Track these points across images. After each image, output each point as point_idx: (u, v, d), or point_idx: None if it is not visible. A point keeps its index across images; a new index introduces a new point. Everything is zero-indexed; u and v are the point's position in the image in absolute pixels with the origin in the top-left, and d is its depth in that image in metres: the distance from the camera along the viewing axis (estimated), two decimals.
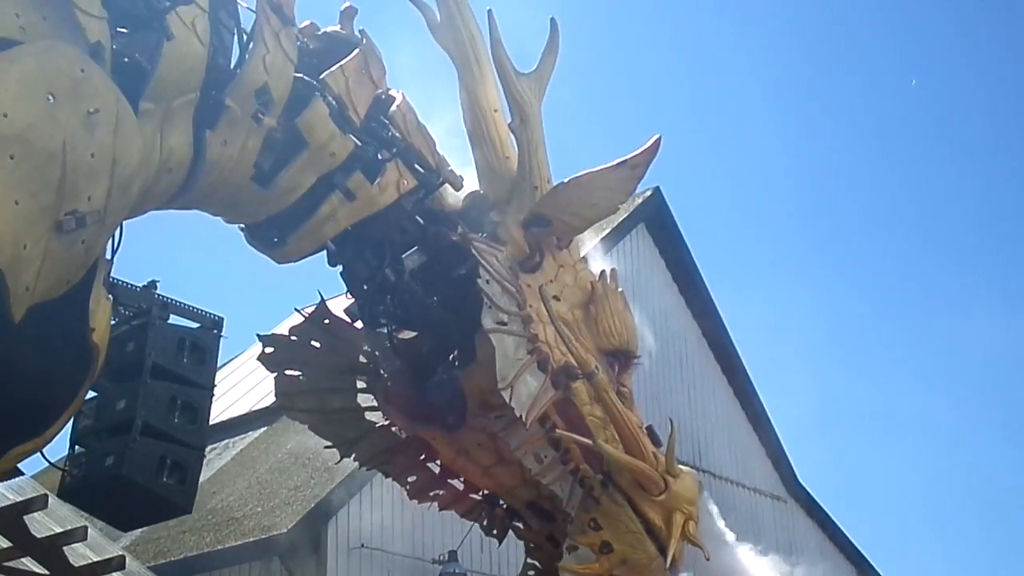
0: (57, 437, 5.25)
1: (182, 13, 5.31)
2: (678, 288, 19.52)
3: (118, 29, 5.18)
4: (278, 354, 7.02)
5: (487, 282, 6.14)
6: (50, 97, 4.63)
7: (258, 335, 7.12)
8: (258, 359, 7.14)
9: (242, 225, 6.17)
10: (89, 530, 11.90)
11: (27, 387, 4.72)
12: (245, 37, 5.74)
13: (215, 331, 5.76)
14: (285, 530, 13.70)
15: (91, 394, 5.39)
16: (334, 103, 6.01)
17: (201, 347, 5.61)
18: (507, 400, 6.03)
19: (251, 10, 5.77)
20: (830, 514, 24.27)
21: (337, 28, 6.42)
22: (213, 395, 5.64)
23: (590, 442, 6.43)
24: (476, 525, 7.47)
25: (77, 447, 5.73)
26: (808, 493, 23.03)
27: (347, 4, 6.51)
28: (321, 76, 6.03)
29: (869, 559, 25.42)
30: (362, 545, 14.27)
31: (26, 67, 4.62)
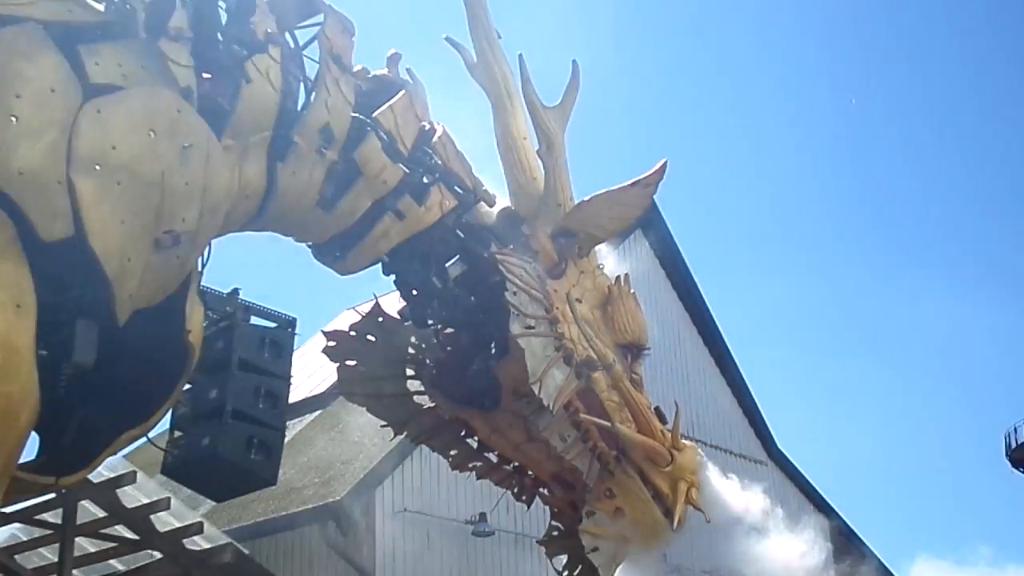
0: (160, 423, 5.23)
1: (257, 62, 5.32)
2: (671, 284, 19.54)
3: (203, 75, 5.14)
4: (339, 347, 7.01)
5: (514, 293, 6.18)
6: (151, 133, 4.62)
7: (323, 331, 7.14)
8: (322, 351, 7.10)
9: (309, 243, 6.15)
10: (172, 500, 11.98)
11: (135, 381, 4.71)
12: (310, 84, 5.72)
13: (289, 329, 5.75)
14: (338, 498, 13.74)
15: (187, 386, 5.34)
16: (385, 137, 5.99)
17: (278, 343, 5.59)
18: (536, 392, 6.06)
19: (314, 60, 5.77)
20: (804, 474, 24.26)
21: (385, 71, 6.39)
22: (290, 383, 5.61)
23: (608, 424, 6.46)
24: (507, 492, 7.41)
25: (176, 431, 5.73)
26: (785, 456, 23.05)
27: (393, 51, 6.49)
28: (374, 114, 5.99)
29: (838, 511, 25.42)
30: (405, 509, 14.29)
31: (132, 107, 4.63)
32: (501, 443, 6.94)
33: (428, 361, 6.95)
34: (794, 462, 24.01)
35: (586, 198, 6.86)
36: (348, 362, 7.03)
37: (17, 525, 11.57)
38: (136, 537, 11.79)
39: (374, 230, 6.05)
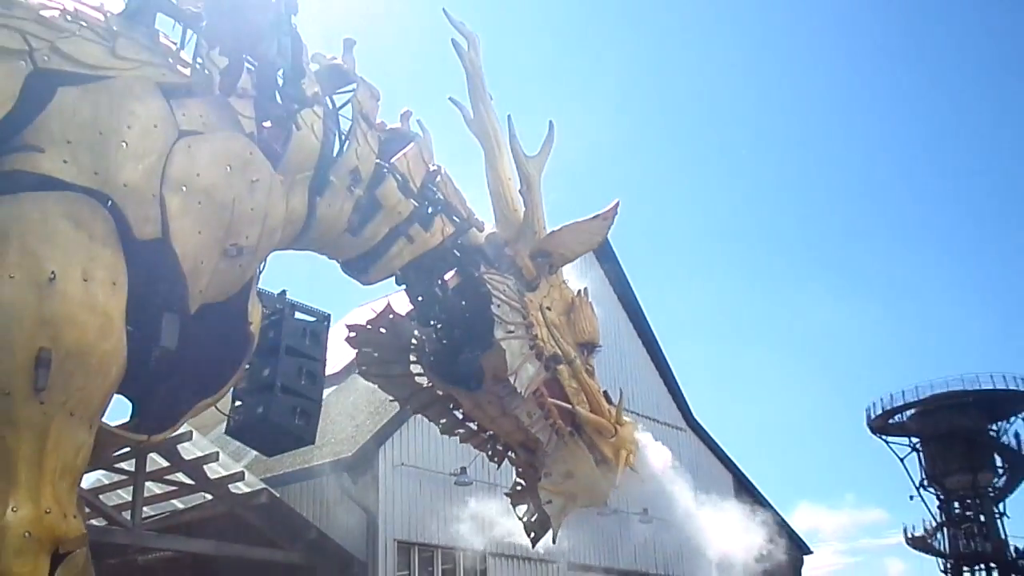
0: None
1: (305, 116, 5.39)
2: (612, 289, 19.75)
3: (263, 124, 5.25)
4: (358, 337, 7.10)
5: (498, 306, 6.30)
6: (228, 168, 4.75)
7: (347, 325, 7.18)
8: (344, 340, 7.15)
9: (339, 260, 6.23)
10: (220, 454, 12.01)
11: (210, 361, 4.81)
12: (344, 136, 5.81)
13: (325, 323, 5.81)
14: (350, 454, 13.81)
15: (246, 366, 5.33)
16: (400, 178, 6.11)
17: (316, 333, 5.67)
18: (513, 382, 6.23)
19: (347, 118, 5.87)
20: (714, 438, 24.50)
21: (398, 125, 6.46)
22: (325, 365, 5.65)
23: (569, 406, 6.65)
24: (482, 454, 7.52)
25: (236, 401, 5.78)
26: (699, 424, 23.30)
27: (405, 109, 6.58)
28: (392, 160, 6.11)
29: (740, 467, 25.70)
30: (402, 463, 14.38)
31: (215, 146, 4.75)
32: (480, 416, 7.04)
33: (427, 349, 7.00)
34: (707, 429, 24.30)
35: (557, 227, 6.97)
36: (365, 349, 7.11)
37: (100, 472, 11.61)
38: (192, 482, 11.86)
39: (390, 251, 6.16)
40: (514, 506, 7.24)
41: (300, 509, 13.38)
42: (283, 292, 5.73)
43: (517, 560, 17.62)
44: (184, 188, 4.49)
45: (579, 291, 7.13)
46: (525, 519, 7.10)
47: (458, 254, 6.64)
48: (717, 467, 25.61)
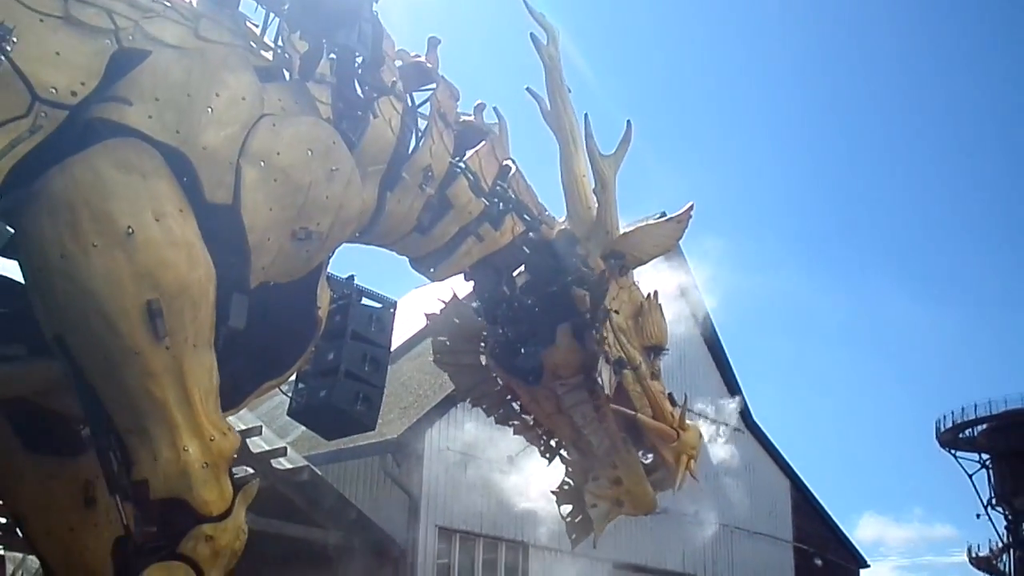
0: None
1: (383, 108, 5.54)
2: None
3: (340, 111, 5.31)
4: (432, 325, 7.39)
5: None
6: (310, 152, 4.85)
7: (425, 314, 7.46)
8: (421, 329, 7.42)
9: (407, 256, 6.40)
10: (263, 428, 12.36)
11: (278, 342, 4.97)
12: (420, 133, 5.94)
13: (391, 310, 5.95)
14: (396, 436, 14.14)
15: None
16: (471, 177, 6.26)
17: (382, 320, 5.81)
18: (599, 381, 6.50)
19: (424, 116, 6.02)
20: (774, 442, 24.51)
21: (471, 118, 6.58)
22: (389, 352, 5.83)
23: (629, 411, 6.81)
24: (528, 445, 7.68)
25: (300, 383, 5.93)
26: (759, 426, 23.35)
27: (479, 101, 6.70)
28: (464, 159, 6.28)
29: (802, 478, 25.66)
30: (448, 448, 14.67)
31: (300, 129, 4.88)
32: (536, 410, 7.23)
33: (493, 340, 7.21)
34: (766, 431, 24.30)
35: (630, 228, 7.13)
36: (439, 338, 7.39)
37: None
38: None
39: (459, 249, 6.34)
40: (559, 504, 7.41)
41: (342, 489, 13.70)
42: (351, 277, 5.88)
43: (560, 554, 17.85)
44: (262, 163, 4.62)
45: (649, 294, 7.26)
46: (568, 519, 7.28)
47: (527, 251, 6.78)
48: (775, 472, 25.59)
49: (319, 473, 13.18)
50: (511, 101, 7.16)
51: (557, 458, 7.50)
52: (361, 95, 5.39)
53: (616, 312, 6.84)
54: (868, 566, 31.70)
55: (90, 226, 4.05)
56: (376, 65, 5.39)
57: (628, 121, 7.19)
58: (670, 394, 7.21)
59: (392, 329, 5.88)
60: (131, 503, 4.46)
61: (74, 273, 4.05)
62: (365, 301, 5.84)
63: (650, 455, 7.15)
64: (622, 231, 7.06)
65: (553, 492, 7.51)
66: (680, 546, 21.44)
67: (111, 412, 4.28)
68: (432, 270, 6.48)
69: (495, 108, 6.70)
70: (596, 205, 7.07)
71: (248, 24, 5.17)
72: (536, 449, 7.62)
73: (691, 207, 7.14)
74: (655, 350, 7.10)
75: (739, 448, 22.36)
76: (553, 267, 6.78)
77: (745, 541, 23.22)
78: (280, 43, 5.23)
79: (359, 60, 5.33)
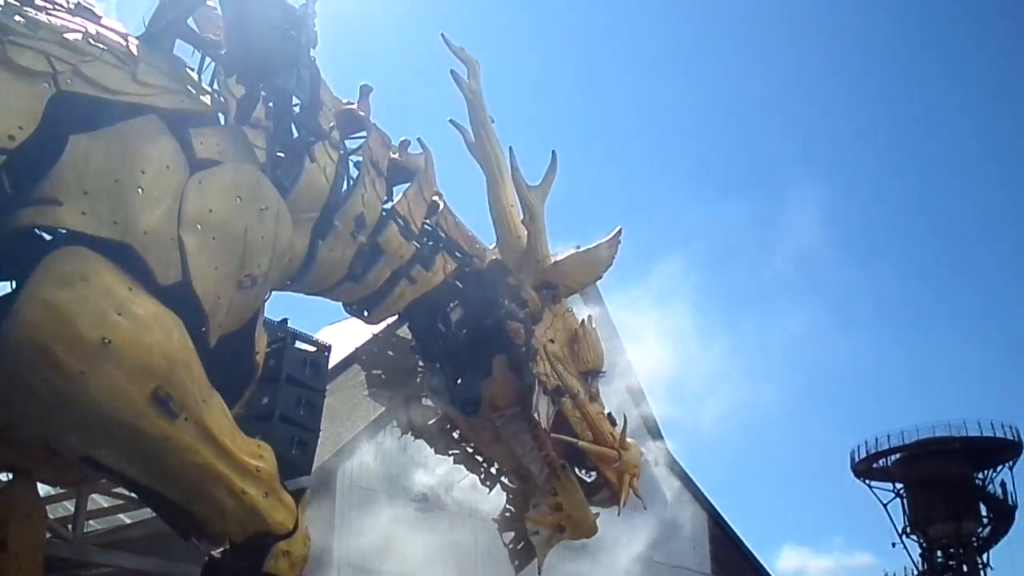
0: None
1: (319, 156, 5.77)
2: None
3: (277, 154, 5.57)
4: (367, 360, 7.67)
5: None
6: (238, 199, 5.03)
7: (358, 355, 7.81)
8: (357, 361, 7.81)
9: (340, 302, 6.67)
10: None
11: (219, 389, 5.01)
12: (353, 181, 6.17)
13: (326, 353, 6.07)
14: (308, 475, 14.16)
15: None
16: (401, 222, 6.49)
17: (317, 363, 5.91)
18: (536, 418, 6.83)
19: (356, 166, 6.25)
20: (691, 475, 25.15)
21: (396, 155, 6.76)
22: (324, 396, 5.92)
23: (568, 439, 7.15)
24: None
25: None
26: (677, 461, 23.95)
27: (403, 138, 6.89)
28: (393, 205, 6.52)
29: (720, 511, 26.33)
30: (362, 487, 14.74)
31: (224, 179, 5.03)
32: (476, 439, 7.50)
33: (430, 374, 7.46)
34: (682, 465, 24.95)
35: (561, 257, 7.49)
36: (374, 371, 7.64)
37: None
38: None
39: (392, 293, 6.59)
40: (501, 532, 7.68)
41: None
42: (284, 320, 5.98)
43: None
44: (199, 226, 4.76)
45: (583, 319, 7.60)
46: (511, 545, 7.55)
47: (460, 285, 7.05)
48: (693, 505, 26.25)
49: None
50: (435, 128, 7.45)
51: (497, 485, 7.78)
52: (298, 140, 5.61)
53: (551, 341, 7.16)
54: None
55: (70, 359, 4.24)
56: (314, 110, 5.64)
57: (553, 152, 7.57)
58: (609, 414, 7.57)
59: (327, 372, 6.00)
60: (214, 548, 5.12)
61: (79, 404, 4.34)
62: (299, 344, 5.95)
63: (593, 473, 7.49)
64: (553, 260, 7.42)
65: (495, 520, 7.79)
66: None
67: (165, 494, 4.84)
68: (366, 313, 6.73)
69: (420, 139, 6.94)
70: (526, 235, 7.39)
71: (185, 69, 5.38)
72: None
73: (619, 231, 7.53)
74: (592, 374, 7.45)
75: (655, 482, 23.00)
76: (486, 300, 7.04)
77: (664, 575, 23.75)
78: (216, 87, 5.45)
79: (296, 105, 5.57)
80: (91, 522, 12.78)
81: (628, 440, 7.54)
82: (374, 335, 7.60)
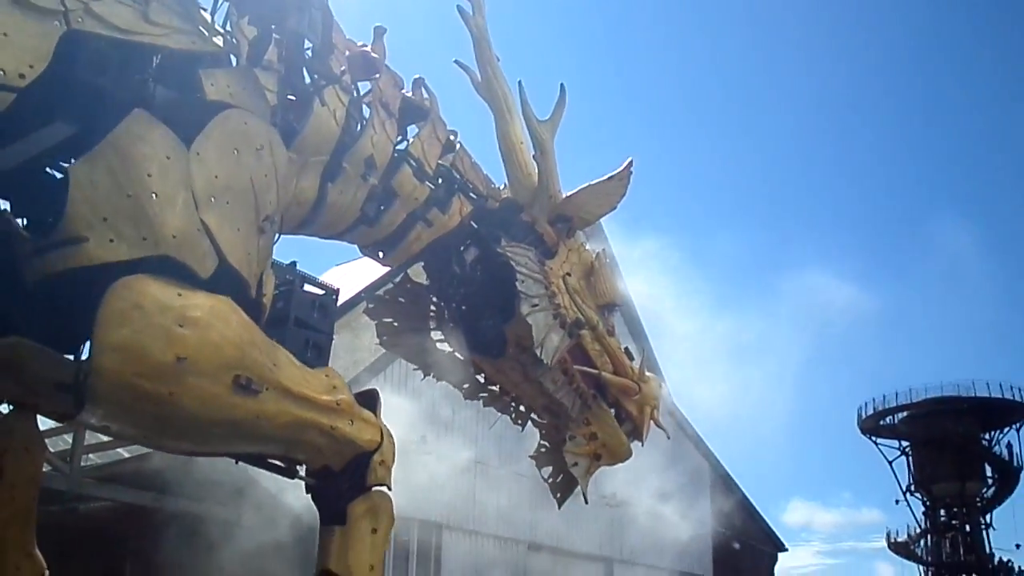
0: None
1: (330, 99, 5.85)
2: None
3: (288, 97, 5.67)
4: (377, 308, 7.71)
5: (521, 281, 6.87)
6: (235, 151, 5.04)
7: (363, 297, 7.87)
8: (363, 312, 7.76)
9: (356, 244, 6.79)
10: None
11: None
12: (364, 123, 6.24)
13: (334, 296, 6.13)
14: None
15: None
16: (414, 163, 6.60)
17: (325, 306, 5.99)
18: (539, 355, 6.86)
19: (368, 105, 6.32)
20: (694, 425, 25.62)
21: (410, 93, 6.85)
22: (332, 339, 5.99)
23: (596, 371, 7.36)
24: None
25: None
26: (679, 409, 24.38)
27: (417, 76, 6.97)
28: (406, 146, 6.61)
29: (722, 462, 26.85)
30: None
31: (215, 137, 4.97)
32: (503, 380, 7.67)
33: (447, 317, 7.60)
34: (684, 414, 25.39)
35: (574, 190, 7.57)
36: (385, 320, 7.70)
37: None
38: None
39: (408, 236, 6.72)
40: (539, 467, 7.92)
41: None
42: (293, 263, 6.04)
43: (474, 535, 18.54)
44: (213, 199, 4.80)
45: (598, 253, 7.77)
46: (551, 480, 7.80)
47: (475, 226, 7.18)
48: (695, 455, 26.79)
49: None
50: (437, 73, 7.42)
51: (529, 422, 7.99)
52: (309, 83, 5.70)
53: (569, 274, 7.30)
54: (786, 550, 33.44)
55: (155, 386, 4.44)
56: (326, 53, 5.72)
57: (562, 84, 7.64)
58: (626, 348, 7.76)
59: (335, 316, 6.09)
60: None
61: (175, 420, 4.64)
62: (307, 287, 6.03)
63: (613, 410, 7.69)
64: (565, 194, 7.52)
65: (532, 457, 8.01)
66: (596, 528, 22.38)
67: (263, 453, 5.50)
68: (382, 255, 6.89)
69: (422, 79, 6.98)
70: (536, 171, 7.49)
71: (198, 9, 5.44)
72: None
73: (630, 163, 7.58)
74: (608, 307, 7.63)
75: (658, 431, 23.32)
76: (499, 239, 7.15)
77: (663, 524, 24.27)
78: (228, 28, 5.52)
79: (308, 48, 5.67)
80: (90, 456, 13.10)
81: (647, 374, 7.77)
82: (378, 285, 7.68)
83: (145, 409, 4.54)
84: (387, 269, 7.52)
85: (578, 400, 7.43)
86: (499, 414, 8.10)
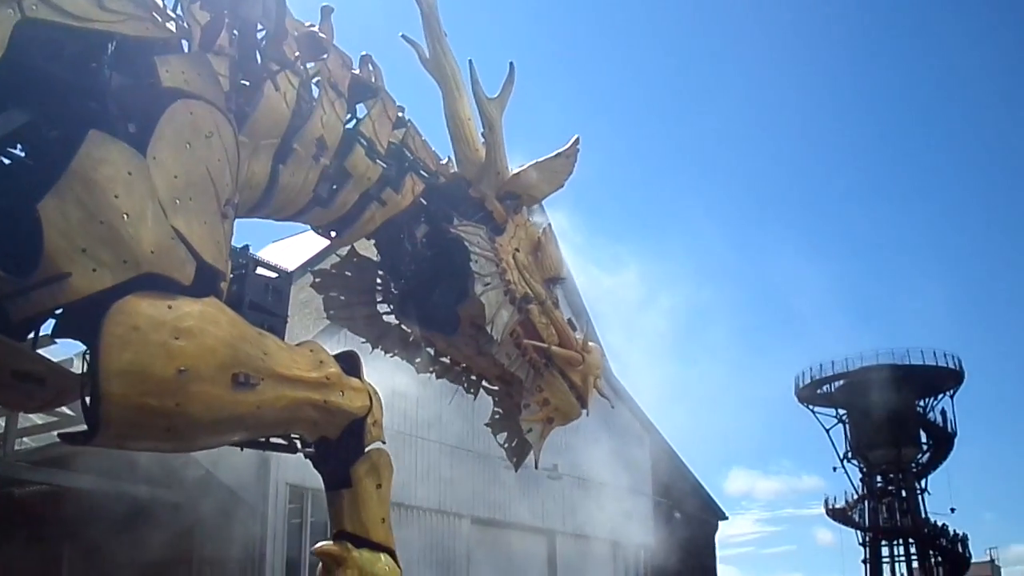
0: None
1: (280, 81, 6.00)
2: None
3: (241, 82, 5.80)
4: (324, 282, 7.92)
5: (475, 261, 7.11)
6: (188, 145, 5.15)
7: (310, 271, 8.04)
8: (311, 286, 7.97)
9: (310, 225, 6.99)
10: None
11: None
12: (314, 104, 6.37)
13: (288, 279, 6.30)
14: None
15: None
16: (366, 143, 6.76)
17: (279, 290, 6.15)
18: (490, 331, 7.13)
19: (317, 86, 6.45)
20: (633, 396, 26.11)
21: (357, 71, 6.94)
22: (286, 322, 6.18)
23: (545, 346, 7.66)
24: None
25: None
26: (618, 381, 24.88)
27: (364, 52, 7.06)
28: (357, 126, 6.76)
29: (661, 432, 27.43)
30: None
31: (166, 136, 5.05)
32: (456, 354, 7.97)
33: (395, 292, 7.82)
34: (625, 386, 25.88)
35: (522, 167, 7.82)
36: (331, 293, 7.93)
37: None
38: (72, 413, 12.34)
39: (362, 216, 6.91)
40: (495, 434, 8.26)
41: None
42: (246, 246, 6.14)
43: (420, 512, 18.82)
44: (177, 201, 4.97)
45: (544, 228, 8.06)
46: (506, 445, 8.14)
47: (425, 202, 7.36)
48: (635, 426, 27.34)
49: None
50: (382, 48, 7.54)
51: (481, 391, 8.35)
52: (262, 68, 5.84)
53: (517, 250, 7.59)
54: (726, 518, 34.37)
55: (162, 401, 4.71)
56: (280, 39, 5.86)
57: (511, 63, 7.83)
58: (569, 319, 8.13)
59: (288, 298, 6.24)
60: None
61: (184, 428, 4.93)
62: (260, 271, 6.17)
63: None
64: (513, 171, 7.77)
65: (487, 424, 8.37)
66: (540, 500, 22.82)
67: (266, 436, 5.92)
68: (334, 234, 7.10)
69: (370, 56, 7.11)
70: (484, 148, 7.70)
71: None
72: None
73: (577, 140, 7.88)
74: (553, 280, 7.97)
75: (598, 402, 23.75)
76: (448, 215, 7.36)
77: (604, 494, 24.83)
78: (179, 12, 5.63)
79: (261, 31, 5.80)
80: (24, 439, 13.06)
81: (590, 344, 8.11)
82: (315, 261, 7.79)
83: (156, 424, 4.81)
84: (325, 243, 7.71)
85: (531, 370, 7.75)
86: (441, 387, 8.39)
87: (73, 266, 4.56)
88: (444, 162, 7.74)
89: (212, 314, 5.02)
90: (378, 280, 7.96)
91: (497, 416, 8.28)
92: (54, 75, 5.01)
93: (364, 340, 8.11)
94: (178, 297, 4.89)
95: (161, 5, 5.59)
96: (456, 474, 20.50)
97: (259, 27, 5.82)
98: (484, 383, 8.24)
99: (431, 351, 8.10)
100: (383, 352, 8.19)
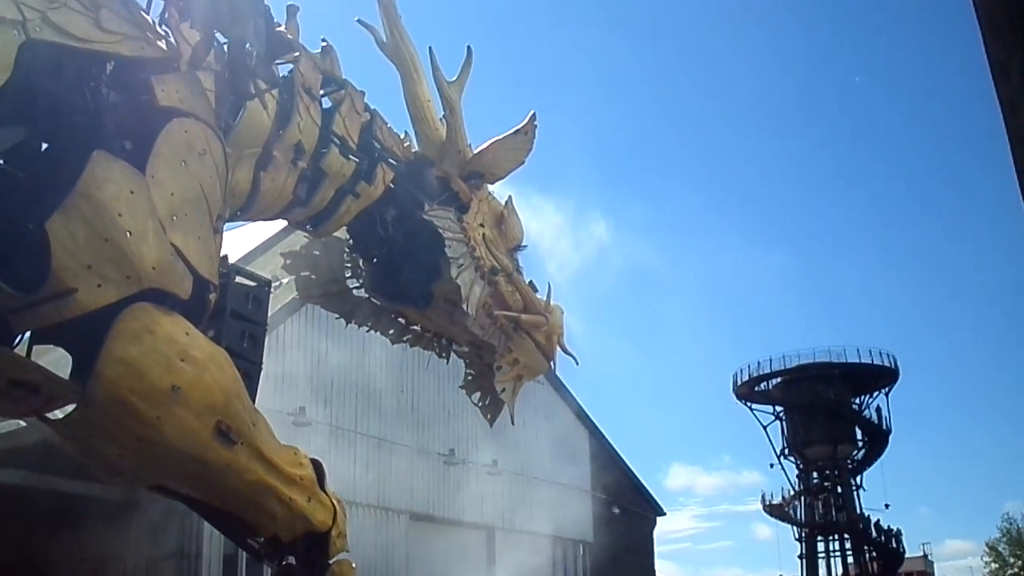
0: None
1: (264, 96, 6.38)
2: None
3: (229, 98, 6.17)
4: (294, 263, 8.43)
5: (449, 246, 7.69)
6: (183, 163, 5.48)
7: (281, 253, 8.53)
8: (282, 268, 8.49)
9: (289, 221, 7.42)
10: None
11: None
12: (291, 110, 6.72)
13: (267, 288, 6.59)
14: None
15: None
16: (339, 142, 7.16)
17: (259, 298, 6.44)
18: (466, 309, 7.72)
19: (292, 92, 6.79)
20: (572, 391, 26.73)
21: (326, 69, 7.30)
22: (266, 329, 6.49)
23: (516, 315, 8.23)
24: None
25: None
26: (557, 376, 25.51)
27: (324, 42, 7.44)
28: (330, 126, 7.11)
29: (601, 428, 28.07)
30: None
31: (162, 154, 5.36)
32: (427, 323, 8.51)
33: (369, 273, 8.32)
34: (564, 381, 26.50)
35: (483, 146, 8.32)
36: (302, 273, 8.42)
37: None
38: None
39: (339, 210, 7.35)
40: (469, 394, 8.87)
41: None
42: (225, 256, 6.29)
43: (361, 507, 19.24)
44: (174, 218, 5.27)
45: (506, 200, 8.59)
46: (480, 403, 8.75)
47: (392, 186, 7.81)
48: (573, 422, 27.94)
49: None
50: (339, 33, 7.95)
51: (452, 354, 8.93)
52: (252, 88, 6.22)
53: (482, 225, 8.14)
54: (664, 514, 35.35)
55: (146, 407, 5.04)
56: (271, 59, 6.25)
57: (468, 47, 8.37)
58: (530, 281, 8.68)
59: (268, 306, 6.58)
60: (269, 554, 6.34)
61: (155, 446, 5.17)
62: (239, 280, 6.45)
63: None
64: (474, 150, 8.29)
65: (461, 387, 8.98)
66: (478, 496, 23.37)
67: (222, 507, 5.94)
68: (310, 228, 7.58)
69: (331, 46, 7.51)
70: (444, 128, 8.23)
71: (141, 13, 5.87)
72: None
73: (533, 116, 8.38)
74: (516, 248, 8.55)
75: (538, 398, 24.43)
76: (414, 196, 7.88)
77: (543, 490, 25.47)
78: (166, 30, 5.96)
79: (252, 54, 6.12)
80: None
81: (551, 304, 8.68)
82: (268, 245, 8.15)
83: (131, 427, 5.11)
84: (281, 227, 8.15)
85: (503, 336, 8.33)
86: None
87: (79, 282, 4.90)
88: (405, 143, 8.18)
89: (221, 360, 5.47)
90: (346, 257, 8.47)
91: (470, 377, 8.88)
92: (56, 94, 5.35)
93: (337, 316, 8.63)
94: (197, 332, 5.36)
95: (151, 23, 5.94)
96: (395, 470, 20.96)
97: (250, 48, 6.11)
98: (454, 347, 8.81)
99: (403, 321, 8.62)
100: (356, 325, 8.71)
